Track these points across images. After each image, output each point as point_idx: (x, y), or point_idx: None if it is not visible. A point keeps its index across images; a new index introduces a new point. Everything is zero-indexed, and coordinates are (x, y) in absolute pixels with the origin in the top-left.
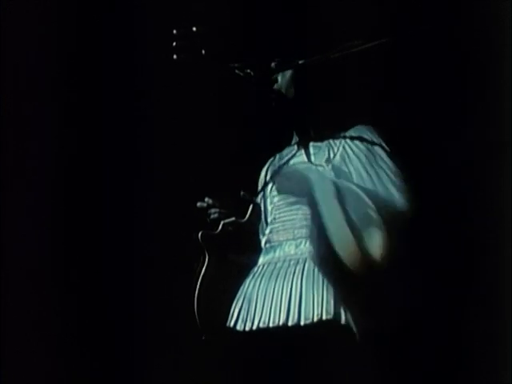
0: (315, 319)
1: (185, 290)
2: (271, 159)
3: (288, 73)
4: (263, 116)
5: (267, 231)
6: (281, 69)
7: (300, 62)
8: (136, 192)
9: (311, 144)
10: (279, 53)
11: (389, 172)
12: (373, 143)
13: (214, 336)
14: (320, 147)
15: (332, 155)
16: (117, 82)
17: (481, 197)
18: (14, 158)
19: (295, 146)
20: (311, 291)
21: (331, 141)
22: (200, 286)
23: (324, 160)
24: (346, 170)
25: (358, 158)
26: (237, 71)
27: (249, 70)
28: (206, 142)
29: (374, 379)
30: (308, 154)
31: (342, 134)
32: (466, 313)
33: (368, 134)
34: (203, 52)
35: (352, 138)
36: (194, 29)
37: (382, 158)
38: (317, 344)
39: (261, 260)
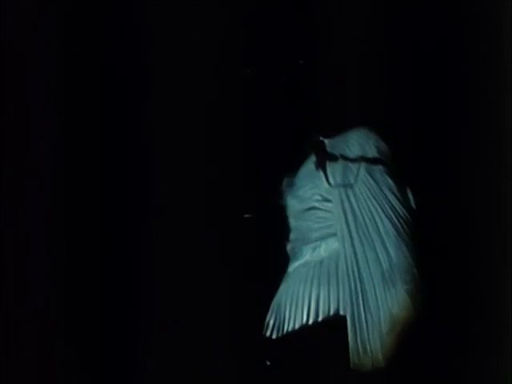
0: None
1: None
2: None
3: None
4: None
5: (291, 237)
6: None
7: (300, 62)
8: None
9: (328, 164)
10: (280, 53)
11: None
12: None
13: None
14: (337, 168)
15: (351, 180)
16: (120, 78)
17: (483, 200)
18: (14, 158)
19: (313, 167)
20: (326, 289)
21: (349, 163)
22: None
23: (342, 183)
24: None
25: (368, 198)
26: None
27: (249, 70)
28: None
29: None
30: (326, 175)
31: (358, 156)
32: (464, 314)
33: (370, 145)
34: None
35: (369, 162)
36: None
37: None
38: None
39: (289, 268)
